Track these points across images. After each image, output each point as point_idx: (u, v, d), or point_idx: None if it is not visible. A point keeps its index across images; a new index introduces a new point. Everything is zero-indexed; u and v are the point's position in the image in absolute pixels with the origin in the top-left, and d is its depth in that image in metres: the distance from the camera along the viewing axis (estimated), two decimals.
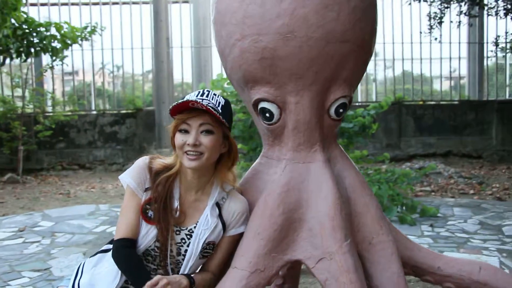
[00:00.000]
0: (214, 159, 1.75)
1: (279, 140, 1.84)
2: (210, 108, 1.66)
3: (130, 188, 1.76)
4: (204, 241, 1.75)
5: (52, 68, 8.06)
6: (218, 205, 1.79)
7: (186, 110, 1.70)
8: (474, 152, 9.52)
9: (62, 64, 8.29)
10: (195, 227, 1.77)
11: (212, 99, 1.73)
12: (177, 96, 10.86)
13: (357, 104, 9.45)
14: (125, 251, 1.72)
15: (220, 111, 1.71)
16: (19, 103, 8.42)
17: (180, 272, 1.75)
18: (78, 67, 10.38)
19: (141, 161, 1.80)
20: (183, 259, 1.77)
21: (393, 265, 1.75)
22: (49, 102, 9.24)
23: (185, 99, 1.69)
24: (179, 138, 1.71)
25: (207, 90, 1.77)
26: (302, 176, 1.77)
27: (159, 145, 9.02)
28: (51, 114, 8.71)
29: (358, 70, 1.84)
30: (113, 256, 1.73)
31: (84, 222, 4.81)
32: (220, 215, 1.78)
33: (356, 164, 5.82)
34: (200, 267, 1.84)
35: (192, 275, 1.71)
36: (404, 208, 4.78)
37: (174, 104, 1.69)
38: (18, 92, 8.79)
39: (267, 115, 1.79)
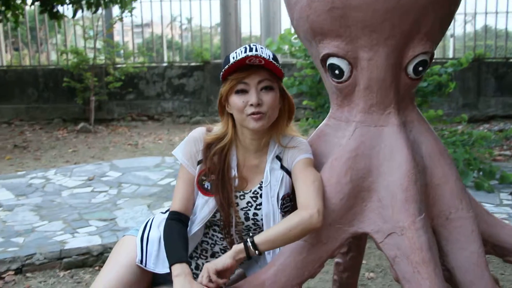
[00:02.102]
0: (276, 117, 1.63)
1: (348, 100, 1.67)
2: (272, 62, 1.51)
3: (181, 163, 1.69)
4: (277, 197, 1.63)
5: (121, 20, 8.10)
6: (278, 157, 1.67)
7: (239, 69, 1.56)
8: None
9: (131, 16, 8.32)
10: (259, 187, 1.67)
11: (263, 53, 1.57)
12: None
13: (435, 61, 8.90)
14: (169, 223, 1.65)
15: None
16: (91, 55, 8.58)
17: None
18: (148, 19, 10.42)
19: (194, 133, 1.71)
20: (254, 224, 1.68)
21: (473, 244, 1.56)
22: (120, 53, 9.35)
23: (234, 59, 1.55)
24: (237, 100, 1.58)
25: (254, 45, 1.61)
26: (373, 141, 1.60)
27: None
28: (121, 65, 8.82)
29: (442, 23, 1.61)
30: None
31: (150, 174, 4.87)
32: (282, 166, 1.66)
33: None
34: None
35: (251, 235, 1.55)
36: (481, 173, 4.46)
37: (229, 64, 1.54)
38: (91, 43, 8.96)
39: (336, 72, 1.61)
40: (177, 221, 1.65)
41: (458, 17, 9.70)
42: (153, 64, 9.46)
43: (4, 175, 5.03)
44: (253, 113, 1.55)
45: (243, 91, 1.57)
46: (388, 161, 1.57)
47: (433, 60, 1.64)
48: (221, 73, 1.58)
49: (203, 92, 9.31)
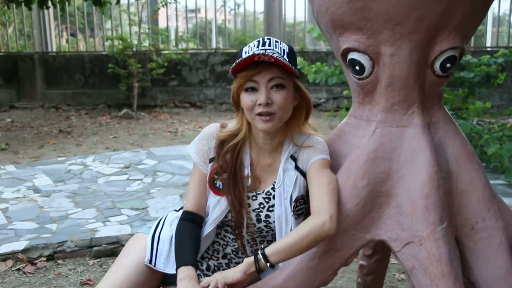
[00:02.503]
0: (288, 116, 1.54)
1: (370, 98, 1.56)
2: (281, 60, 1.42)
3: (194, 161, 1.64)
4: (291, 198, 1.55)
5: (165, 5, 8.12)
6: (293, 157, 1.59)
7: (249, 65, 1.47)
8: None
9: (175, 2, 8.32)
10: (272, 188, 1.59)
11: (276, 48, 1.49)
12: (291, 37, 10.56)
13: (487, 49, 8.51)
14: (181, 224, 1.60)
15: (287, 59, 1.48)
16: (135, 41, 8.66)
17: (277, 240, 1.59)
18: (201, 4, 10.40)
19: (207, 129, 1.65)
20: (266, 226, 1.61)
21: (501, 257, 1.44)
22: (164, 40, 9.37)
23: (246, 54, 1.47)
24: (247, 98, 1.50)
25: (268, 38, 1.53)
26: (394, 143, 1.49)
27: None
28: (164, 52, 8.86)
29: (474, 15, 1.47)
30: None
31: (185, 163, 4.87)
32: (297, 167, 1.58)
33: (476, 118, 5.17)
34: None
35: (262, 247, 1.46)
36: None
37: (237, 61, 1.46)
38: (136, 30, 9.04)
39: (357, 68, 1.51)
40: (190, 222, 1.60)
41: None
42: (198, 51, 9.46)
43: (45, 160, 5.15)
44: (261, 114, 1.48)
45: (253, 89, 1.49)
46: (409, 164, 1.46)
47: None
48: (231, 68, 1.51)
49: None
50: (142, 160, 5.03)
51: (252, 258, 1.43)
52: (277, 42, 1.52)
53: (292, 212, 1.55)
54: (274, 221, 1.58)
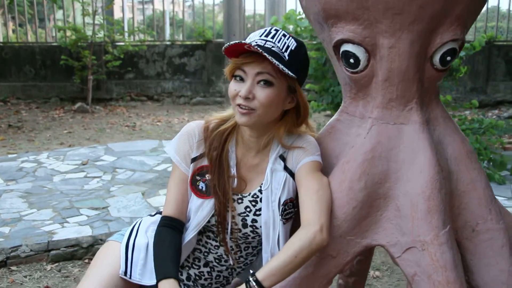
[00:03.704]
0: (272, 117, 1.41)
1: (364, 93, 1.46)
2: (268, 56, 1.29)
3: (173, 162, 1.49)
4: (279, 202, 1.43)
5: None
6: (282, 157, 1.46)
7: (244, 53, 1.35)
8: None
9: None
10: (259, 190, 1.46)
11: (279, 42, 1.35)
12: (250, 28, 10.41)
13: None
14: (160, 231, 1.46)
15: (287, 57, 1.34)
16: (89, 32, 8.31)
17: (264, 247, 1.46)
18: None
19: (188, 127, 1.50)
20: (253, 231, 1.48)
21: (503, 260, 1.37)
22: (119, 31, 9.04)
23: (243, 40, 1.34)
24: (232, 86, 1.39)
25: (275, 29, 1.39)
26: (392, 141, 1.40)
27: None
28: (119, 44, 8.55)
29: (476, 5, 1.39)
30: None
31: (146, 159, 4.67)
32: (286, 167, 1.45)
33: None
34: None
35: (252, 272, 1.32)
36: (491, 164, 4.26)
37: (228, 44, 1.33)
38: (90, 20, 8.68)
39: (351, 60, 1.40)
40: (170, 228, 1.45)
41: None
42: (154, 43, 9.19)
43: None
44: (241, 105, 1.36)
45: (241, 79, 1.37)
46: (409, 164, 1.36)
47: None
48: (223, 49, 1.36)
49: (204, 72, 9.06)
50: (100, 156, 4.79)
51: (243, 286, 1.29)
52: (284, 36, 1.38)
53: (280, 217, 1.43)
54: (261, 226, 1.46)
